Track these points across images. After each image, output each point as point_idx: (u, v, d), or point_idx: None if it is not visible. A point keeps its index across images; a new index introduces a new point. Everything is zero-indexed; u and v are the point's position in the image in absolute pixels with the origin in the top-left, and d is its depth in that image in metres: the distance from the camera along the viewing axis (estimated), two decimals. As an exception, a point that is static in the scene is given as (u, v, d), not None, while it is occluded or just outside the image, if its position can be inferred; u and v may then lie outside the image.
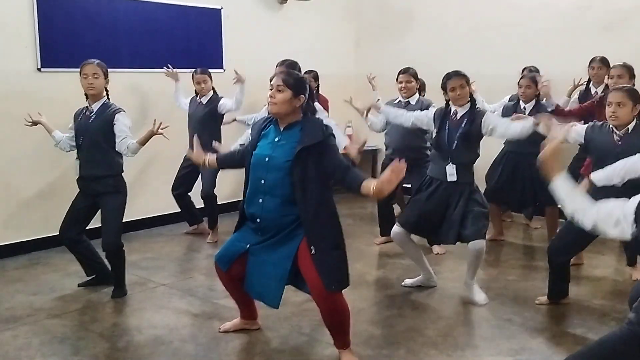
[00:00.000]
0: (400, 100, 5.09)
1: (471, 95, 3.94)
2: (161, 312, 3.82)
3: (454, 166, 3.87)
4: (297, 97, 2.92)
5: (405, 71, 5.07)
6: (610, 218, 2.16)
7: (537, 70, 5.33)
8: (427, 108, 4.93)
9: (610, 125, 3.54)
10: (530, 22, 6.08)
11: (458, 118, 3.91)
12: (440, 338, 3.44)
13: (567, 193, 2.26)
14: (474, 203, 3.88)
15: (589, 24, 5.71)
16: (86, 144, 3.95)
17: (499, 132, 3.85)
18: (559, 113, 4.79)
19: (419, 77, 5.19)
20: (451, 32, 6.71)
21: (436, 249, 5.00)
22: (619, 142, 3.48)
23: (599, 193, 2.79)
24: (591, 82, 5.22)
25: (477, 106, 3.97)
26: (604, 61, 5.07)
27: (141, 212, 5.69)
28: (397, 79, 5.10)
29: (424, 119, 4.14)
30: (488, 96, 5.57)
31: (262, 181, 2.97)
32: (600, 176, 3.35)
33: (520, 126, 3.78)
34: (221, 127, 5.47)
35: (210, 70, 5.50)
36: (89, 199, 4.01)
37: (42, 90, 4.88)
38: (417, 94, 5.09)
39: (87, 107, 3.98)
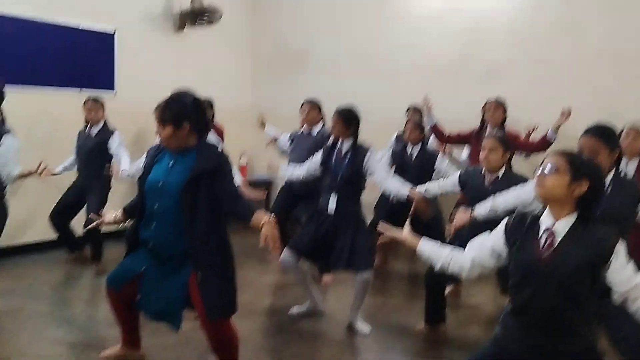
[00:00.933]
0: (302, 132, 5.18)
1: (355, 132, 4.04)
2: (35, 341, 3.60)
3: (336, 199, 3.98)
4: (181, 128, 2.86)
5: (308, 101, 5.18)
6: (484, 250, 2.34)
7: (419, 110, 5.61)
8: (327, 138, 5.07)
9: (483, 169, 3.82)
10: (418, 64, 6.42)
11: (343, 153, 4.04)
12: (325, 364, 3.49)
13: (432, 252, 2.51)
14: (361, 235, 3.99)
15: (470, 72, 6.13)
16: None
17: (376, 179, 4.01)
18: (438, 133, 5.06)
19: None
20: (344, 70, 6.95)
21: (325, 279, 5.07)
22: (489, 187, 3.75)
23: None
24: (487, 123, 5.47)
25: (360, 143, 4.06)
26: (500, 103, 5.27)
27: (19, 238, 5.38)
28: (300, 108, 5.19)
29: (317, 164, 4.17)
30: (377, 131, 5.79)
31: (155, 206, 2.91)
32: (482, 210, 3.58)
33: (395, 189, 3.97)
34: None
35: (101, 93, 5.36)
36: None
37: None
38: (319, 124, 5.18)
39: None
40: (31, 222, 5.43)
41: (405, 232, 2.63)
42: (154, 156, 3.04)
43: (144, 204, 2.99)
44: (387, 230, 2.69)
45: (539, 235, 2.17)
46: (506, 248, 2.27)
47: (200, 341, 3.30)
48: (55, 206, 5.22)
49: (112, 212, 3.19)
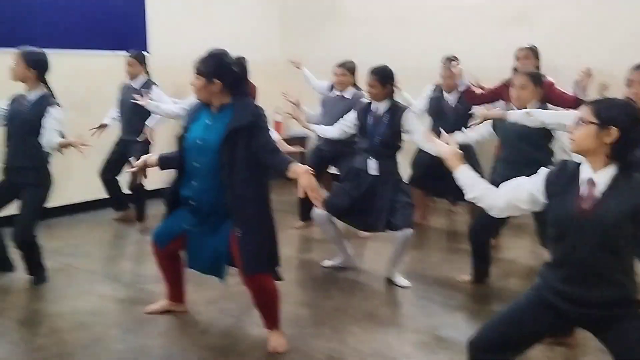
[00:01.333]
0: (336, 95, 5.15)
1: (391, 93, 4.01)
2: (84, 298, 3.75)
3: (376, 160, 3.98)
4: (212, 83, 2.90)
5: (341, 65, 5.09)
6: (522, 193, 2.31)
7: (456, 59, 5.48)
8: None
9: (514, 107, 3.76)
10: (450, 15, 6.26)
11: (379, 114, 4.00)
12: (365, 317, 3.55)
13: (469, 180, 2.45)
14: (400, 193, 3.99)
15: (501, 17, 5.94)
16: (15, 132, 3.79)
17: (415, 139, 3.98)
18: (470, 96, 4.95)
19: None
20: (376, 23, 6.80)
21: (363, 232, 5.11)
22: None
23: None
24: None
25: (397, 102, 4.04)
26: (532, 50, 5.07)
27: (65, 199, 5.52)
28: (333, 71, 5.11)
29: (351, 124, 4.15)
30: (411, 85, 5.72)
31: (196, 164, 2.97)
32: (516, 113, 3.53)
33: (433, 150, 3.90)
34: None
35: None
36: (11, 187, 3.85)
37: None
38: (352, 88, 5.12)
39: (24, 94, 3.82)
40: (76, 182, 5.56)
41: (450, 149, 2.52)
42: (193, 115, 3.08)
43: (183, 162, 3.04)
44: (431, 140, 2.62)
45: (579, 187, 2.14)
46: (545, 197, 2.23)
47: (243, 295, 3.38)
48: (103, 163, 5.34)
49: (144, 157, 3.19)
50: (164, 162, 3.18)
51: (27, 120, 3.75)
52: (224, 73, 2.92)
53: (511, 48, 5.22)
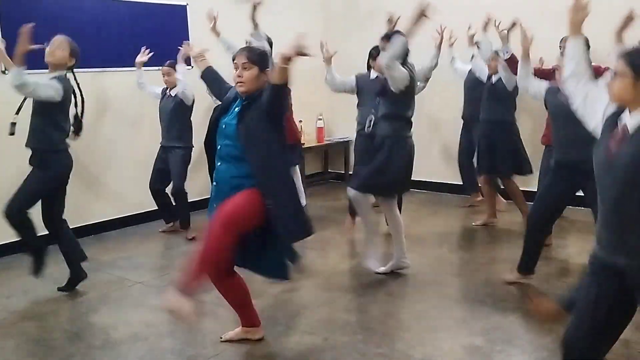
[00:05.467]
0: (377, 77, 5.16)
1: None
2: (138, 309, 3.83)
3: (372, 119, 4.38)
4: (264, 72, 2.96)
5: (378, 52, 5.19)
6: (599, 104, 2.25)
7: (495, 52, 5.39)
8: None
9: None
10: (489, 12, 6.14)
11: (377, 78, 4.52)
12: (414, 321, 3.51)
13: (579, 54, 2.35)
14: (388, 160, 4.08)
15: (545, 17, 5.80)
16: (33, 112, 3.91)
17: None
18: (515, 67, 4.73)
19: None
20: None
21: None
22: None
23: None
24: None
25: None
26: None
27: (114, 212, 5.67)
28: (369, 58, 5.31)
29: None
30: (449, 78, 5.67)
31: (219, 147, 3.02)
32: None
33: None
34: (191, 117, 5.49)
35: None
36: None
37: (6, 92, 4.80)
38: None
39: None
40: (127, 195, 5.71)
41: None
42: (231, 103, 3.07)
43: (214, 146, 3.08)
44: None
45: (615, 133, 2.12)
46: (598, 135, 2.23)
47: (290, 303, 3.40)
48: (151, 174, 5.44)
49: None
50: (210, 73, 3.34)
51: (35, 101, 3.84)
52: (270, 63, 3.01)
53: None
